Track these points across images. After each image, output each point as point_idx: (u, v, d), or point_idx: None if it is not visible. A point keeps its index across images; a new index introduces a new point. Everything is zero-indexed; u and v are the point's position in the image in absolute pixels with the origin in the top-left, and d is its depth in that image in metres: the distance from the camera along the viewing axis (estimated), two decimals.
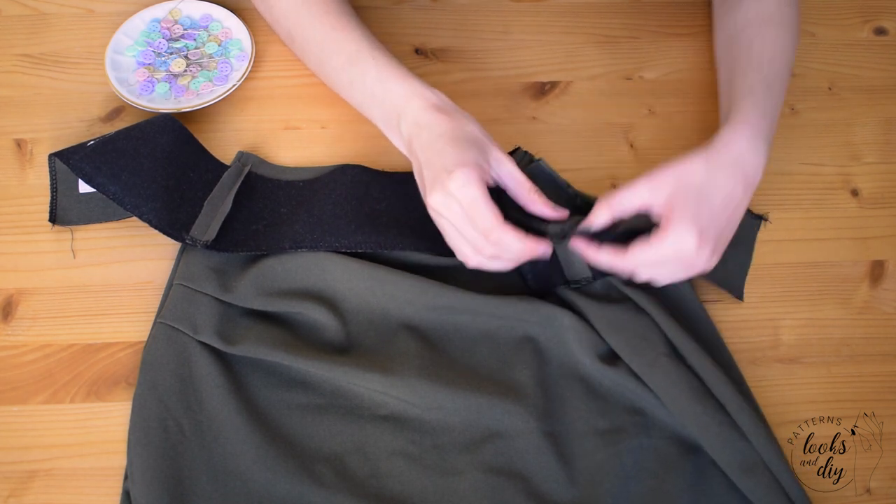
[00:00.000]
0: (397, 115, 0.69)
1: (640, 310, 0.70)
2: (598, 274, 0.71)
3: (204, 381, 0.66)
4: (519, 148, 0.78)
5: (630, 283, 0.70)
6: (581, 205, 0.74)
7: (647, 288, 0.70)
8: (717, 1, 0.84)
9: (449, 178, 0.62)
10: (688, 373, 0.66)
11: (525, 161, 0.76)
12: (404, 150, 0.70)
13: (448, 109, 0.67)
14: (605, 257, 0.65)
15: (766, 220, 0.76)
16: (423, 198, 0.66)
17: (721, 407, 0.65)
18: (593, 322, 0.69)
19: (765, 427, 0.65)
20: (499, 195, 0.66)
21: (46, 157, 0.77)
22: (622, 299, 0.71)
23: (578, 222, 0.65)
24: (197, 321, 0.68)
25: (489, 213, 0.62)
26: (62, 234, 0.75)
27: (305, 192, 0.75)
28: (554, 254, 0.70)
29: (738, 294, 0.73)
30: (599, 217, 0.64)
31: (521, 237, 0.63)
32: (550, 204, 0.66)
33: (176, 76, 0.82)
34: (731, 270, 0.73)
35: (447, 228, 0.65)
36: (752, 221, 0.75)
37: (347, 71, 0.72)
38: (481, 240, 0.63)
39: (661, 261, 0.63)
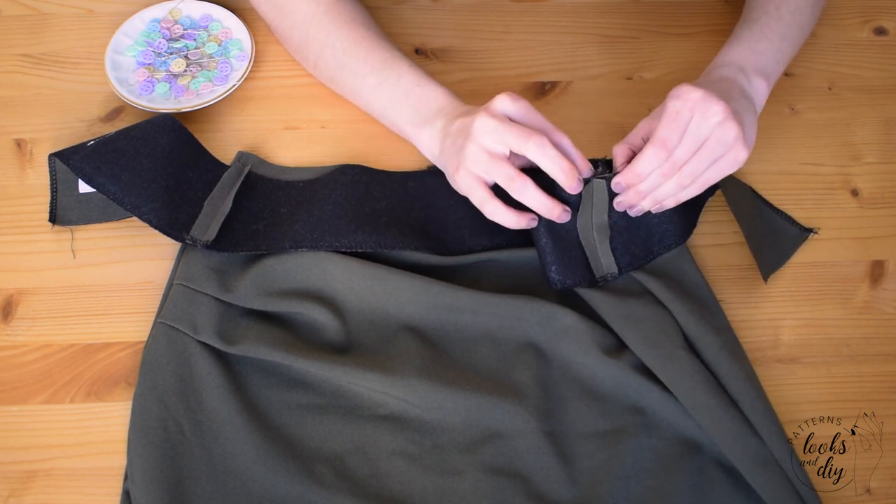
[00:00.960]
0: (436, 112, 0.72)
1: (658, 303, 0.70)
2: (625, 267, 0.71)
3: (204, 381, 0.66)
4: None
5: (655, 272, 0.71)
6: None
7: (665, 280, 0.71)
8: None
9: (490, 103, 0.67)
10: (703, 367, 0.66)
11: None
12: (433, 145, 0.72)
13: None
14: (646, 157, 0.65)
15: (815, 232, 0.76)
16: (450, 174, 0.70)
17: (734, 402, 0.65)
18: (607, 317, 0.69)
19: (777, 425, 0.65)
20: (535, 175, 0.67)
21: (46, 157, 0.77)
22: (641, 294, 0.71)
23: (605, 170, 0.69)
24: (197, 321, 0.68)
25: (539, 115, 0.67)
26: (62, 234, 0.75)
27: (305, 192, 0.75)
28: (581, 250, 0.71)
29: (764, 274, 0.73)
30: (618, 156, 0.68)
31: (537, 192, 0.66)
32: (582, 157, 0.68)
33: (176, 76, 0.82)
34: (768, 255, 0.74)
35: (476, 156, 0.67)
36: (799, 234, 0.76)
37: (377, 74, 0.75)
38: (523, 138, 0.65)
39: (683, 126, 0.64)
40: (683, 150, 0.64)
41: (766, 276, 0.73)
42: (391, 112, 0.75)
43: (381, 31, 0.79)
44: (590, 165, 0.68)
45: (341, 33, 0.76)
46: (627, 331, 0.68)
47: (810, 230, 0.76)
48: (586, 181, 0.68)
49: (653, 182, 0.66)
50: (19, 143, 0.79)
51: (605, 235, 0.71)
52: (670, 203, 0.68)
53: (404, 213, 0.74)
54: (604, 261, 0.71)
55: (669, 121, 0.64)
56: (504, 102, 0.67)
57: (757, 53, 0.73)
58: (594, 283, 0.71)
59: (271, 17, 0.80)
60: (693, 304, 0.70)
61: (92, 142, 0.73)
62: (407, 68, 0.75)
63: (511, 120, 0.66)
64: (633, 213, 0.69)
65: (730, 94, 0.67)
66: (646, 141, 0.67)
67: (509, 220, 0.68)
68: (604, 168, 0.70)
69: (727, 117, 0.63)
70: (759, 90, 0.71)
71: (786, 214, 0.76)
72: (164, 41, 0.84)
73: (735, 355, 0.68)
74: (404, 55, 0.77)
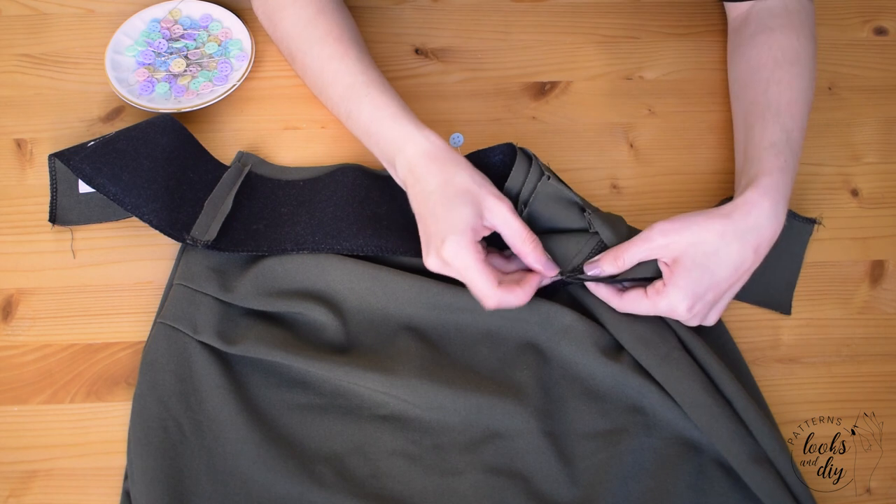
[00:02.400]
0: (392, 156, 0.69)
1: None
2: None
3: (204, 381, 0.66)
4: (534, 156, 0.71)
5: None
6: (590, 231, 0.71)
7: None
8: (731, 29, 0.82)
9: (442, 245, 0.63)
10: (698, 367, 0.67)
11: (536, 174, 0.70)
12: (403, 188, 0.70)
13: (440, 156, 0.67)
14: (604, 293, 0.68)
15: (819, 223, 0.75)
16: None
17: (729, 402, 0.65)
18: (603, 318, 0.69)
19: (770, 424, 0.65)
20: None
21: (46, 157, 0.77)
22: None
23: (584, 261, 0.67)
24: (197, 321, 0.68)
25: (483, 280, 0.64)
26: (62, 234, 0.75)
27: (306, 192, 0.75)
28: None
29: (785, 309, 0.73)
30: (606, 270, 0.66)
31: (518, 293, 0.64)
32: (545, 257, 0.66)
33: (176, 76, 0.82)
34: (775, 286, 0.73)
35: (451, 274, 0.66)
36: (802, 227, 0.75)
37: (344, 104, 0.73)
38: (481, 296, 0.65)
39: (652, 313, 0.67)
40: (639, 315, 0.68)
41: (787, 310, 0.73)
42: (363, 141, 0.73)
43: (356, 41, 0.75)
44: (552, 273, 0.67)
45: (314, 52, 0.74)
46: (623, 332, 0.68)
47: (814, 220, 0.75)
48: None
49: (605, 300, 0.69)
50: (19, 143, 0.79)
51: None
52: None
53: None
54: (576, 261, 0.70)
55: (643, 309, 0.66)
56: (450, 259, 0.64)
57: (794, 177, 0.69)
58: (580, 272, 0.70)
59: (266, 27, 0.80)
60: None
61: (92, 142, 0.73)
62: (366, 101, 0.70)
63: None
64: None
65: (732, 289, 0.66)
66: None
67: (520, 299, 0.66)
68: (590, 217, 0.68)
69: (701, 323, 0.67)
70: (783, 218, 0.66)
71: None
72: (164, 41, 0.84)
73: (729, 356, 0.68)
74: (369, 80, 0.71)
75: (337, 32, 0.74)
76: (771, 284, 0.73)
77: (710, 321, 0.67)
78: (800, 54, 0.73)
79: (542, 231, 0.68)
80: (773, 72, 0.73)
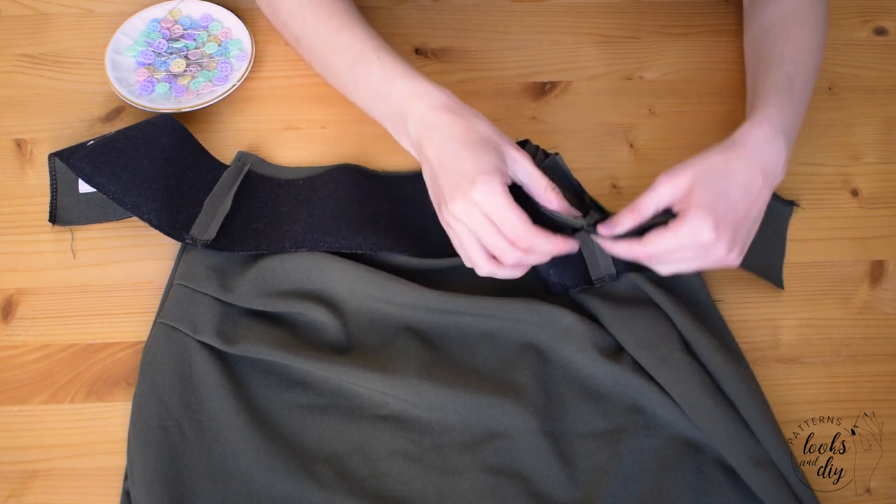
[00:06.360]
0: (404, 115, 0.68)
1: (654, 306, 0.70)
2: (622, 270, 0.71)
3: (204, 381, 0.66)
4: (528, 141, 0.76)
5: (652, 276, 0.70)
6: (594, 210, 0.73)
7: (661, 283, 0.70)
8: (746, 2, 0.84)
9: (472, 186, 0.61)
10: (700, 369, 0.66)
11: (540, 157, 0.75)
12: (413, 152, 0.69)
13: (456, 108, 0.66)
14: (624, 247, 0.64)
15: (797, 205, 0.75)
16: (434, 200, 0.66)
17: (732, 403, 0.65)
18: (604, 320, 0.69)
19: (773, 426, 0.65)
20: (516, 192, 0.65)
21: (46, 157, 0.77)
22: (638, 297, 0.71)
23: (602, 218, 0.66)
24: (197, 321, 0.68)
25: (519, 221, 0.61)
26: (62, 234, 0.75)
27: (305, 191, 0.75)
28: (579, 252, 0.70)
29: (778, 282, 0.73)
30: (624, 224, 0.64)
31: (551, 238, 0.62)
32: (568, 204, 0.66)
33: (176, 76, 0.82)
34: (767, 260, 0.73)
35: (463, 235, 0.64)
36: (782, 208, 0.75)
37: (353, 71, 0.72)
38: (505, 247, 0.63)
39: (679, 250, 0.63)
40: (666, 259, 0.64)
41: (779, 283, 0.73)
42: (372, 111, 0.73)
43: (361, 18, 0.75)
44: (576, 215, 0.66)
45: (320, 28, 0.74)
46: (623, 333, 0.68)
47: (792, 202, 0.75)
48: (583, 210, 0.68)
49: (627, 257, 0.66)
50: (19, 143, 0.79)
51: None
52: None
53: (403, 217, 0.74)
54: (601, 262, 0.71)
55: (669, 242, 0.62)
56: (482, 201, 0.62)
57: (796, 115, 0.70)
58: (591, 284, 0.71)
59: (268, 15, 0.80)
60: (689, 306, 0.70)
61: (92, 142, 0.73)
62: (377, 64, 0.70)
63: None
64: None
65: (749, 215, 0.64)
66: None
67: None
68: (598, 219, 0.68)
69: (727, 263, 0.64)
70: (786, 160, 0.68)
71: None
72: (164, 41, 0.84)
73: (731, 357, 0.68)
74: (378, 45, 0.72)
75: (342, 10, 0.74)
76: (764, 259, 0.73)
77: (733, 258, 0.64)
78: (809, 15, 0.75)
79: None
80: (782, 29, 0.75)
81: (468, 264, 0.66)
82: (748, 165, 0.64)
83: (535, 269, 0.70)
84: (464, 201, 0.62)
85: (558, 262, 0.69)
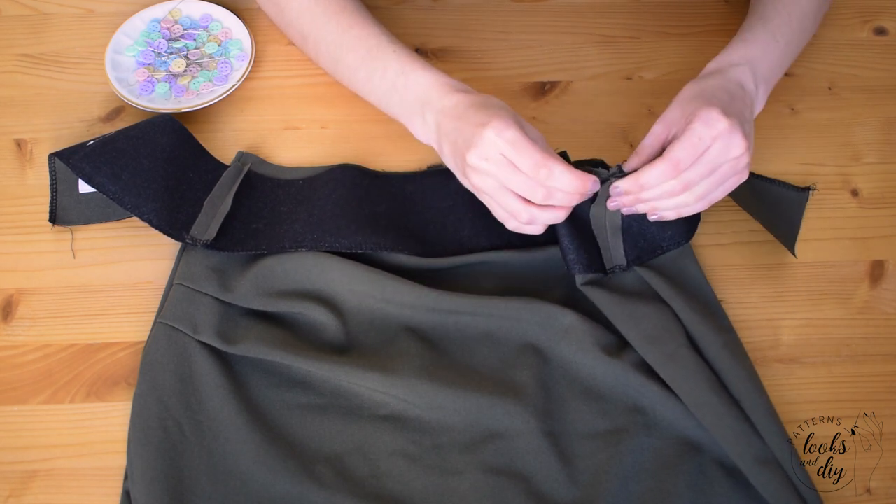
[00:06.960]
0: (421, 103, 0.70)
1: (661, 301, 0.70)
2: (632, 261, 0.71)
3: (204, 381, 0.66)
4: None
5: (658, 265, 0.71)
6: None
7: (669, 278, 0.70)
8: None
9: (485, 128, 0.63)
10: (705, 365, 0.66)
11: None
12: (429, 138, 0.71)
13: (473, 92, 0.69)
14: (657, 171, 0.64)
15: (814, 189, 0.73)
16: (459, 174, 0.67)
17: (736, 401, 0.65)
18: (610, 315, 0.69)
19: (778, 425, 0.65)
20: None
21: (46, 157, 0.77)
22: (644, 291, 0.71)
23: (616, 173, 0.67)
24: (197, 321, 0.68)
25: (534, 148, 0.62)
26: (62, 234, 0.75)
27: (305, 191, 0.75)
28: (594, 240, 0.71)
29: (792, 248, 0.72)
30: (630, 163, 0.67)
31: (570, 168, 0.63)
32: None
33: (176, 76, 0.82)
34: (783, 228, 0.73)
35: (488, 187, 0.65)
36: (798, 196, 0.73)
37: (366, 65, 0.74)
38: (529, 182, 0.63)
39: (704, 152, 0.63)
40: (695, 174, 0.64)
41: (793, 250, 0.72)
42: (384, 103, 0.74)
43: (371, 15, 0.77)
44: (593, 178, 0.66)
45: (331, 25, 0.76)
46: (630, 328, 0.68)
47: (808, 188, 0.74)
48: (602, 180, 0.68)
49: (656, 195, 0.65)
50: (19, 143, 0.79)
51: (616, 228, 0.71)
52: (670, 215, 0.67)
53: (403, 216, 0.74)
54: (613, 253, 0.71)
55: (689, 144, 0.63)
56: (496, 137, 0.63)
57: (768, 55, 0.72)
58: (604, 272, 0.71)
59: (272, 14, 0.80)
60: (695, 303, 0.70)
61: (92, 142, 0.73)
62: (393, 57, 0.73)
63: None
64: (625, 212, 0.69)
65: (743, 115, 0.66)
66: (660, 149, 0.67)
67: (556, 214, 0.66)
68: (616, 170, 0.69)
69: (745, 151, 0.64)
70: (762, 97, 0.72)
71: (779, 181, 0.74)
72: (164, 41, 0.84)
73: (737, 355, 0.68)
74: (392, 40, 0.74)
75: (351, 7, 0.76)
76: (780, 225, 0.74)
77: (749, 149, 0.64)
78: None
79: None
80: None
81: (505, 220, 0.67)
82: (724, 77, 0.68)
83: (560, 248, 0.70)
84: (480, 144, 0.63)
85: (579, 245, 0.70)
